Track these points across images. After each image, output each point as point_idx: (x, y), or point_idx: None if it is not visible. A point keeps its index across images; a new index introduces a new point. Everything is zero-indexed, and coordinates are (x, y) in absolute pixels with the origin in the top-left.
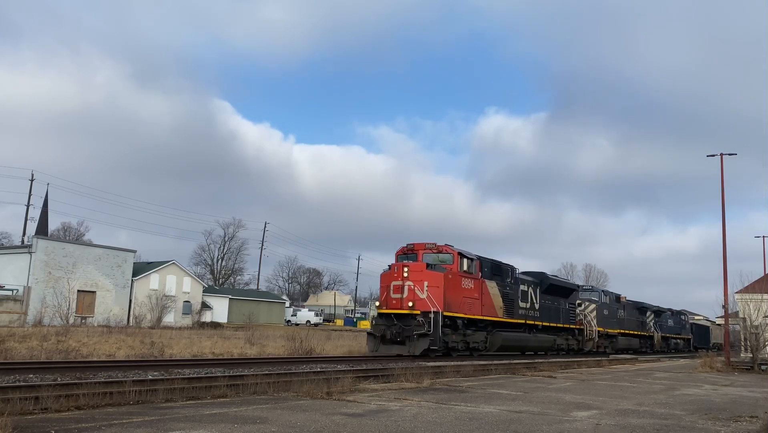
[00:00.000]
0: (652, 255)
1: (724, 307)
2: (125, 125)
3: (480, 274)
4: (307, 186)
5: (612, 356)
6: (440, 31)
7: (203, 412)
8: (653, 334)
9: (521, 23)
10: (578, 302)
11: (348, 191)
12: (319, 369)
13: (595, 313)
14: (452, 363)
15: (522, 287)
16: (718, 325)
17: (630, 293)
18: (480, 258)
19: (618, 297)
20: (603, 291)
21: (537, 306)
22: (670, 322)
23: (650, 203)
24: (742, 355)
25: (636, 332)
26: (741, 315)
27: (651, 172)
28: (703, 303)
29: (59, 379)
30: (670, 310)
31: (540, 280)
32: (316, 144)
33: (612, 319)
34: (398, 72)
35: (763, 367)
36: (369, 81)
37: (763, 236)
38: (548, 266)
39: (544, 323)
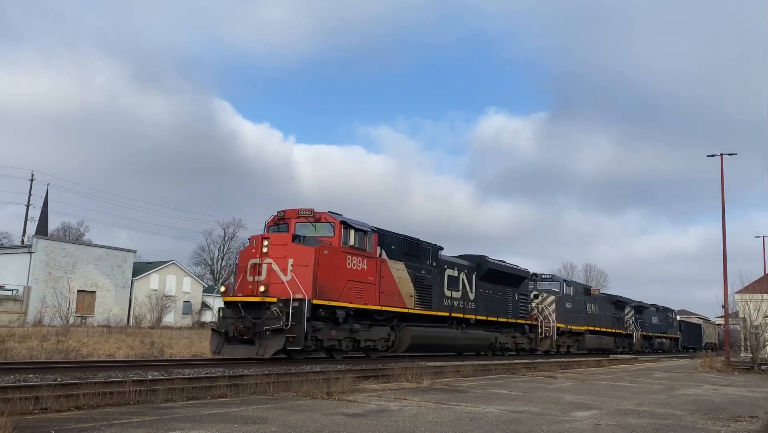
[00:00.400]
0: (652, 255)
1: (724, 307)
2: (125, 125)
3: (379, 252)
4: (307, 186)
5: (612, 356)
6: (440, 31)
7: (203, 412)
8: (633, 332)
9: (521, 23)
10: (535, 293)
11: (348, 191)
12: (318, 369)
13: (554, 306)
14: (452, 363)
15: (449, 272)
16: (712, 323)
17: (630, 293)
18: (379, 231)
19: (588, 289)
20: (566, 281)
21: (472, 296)
22: (655, 319)
23: (650, 203)
24: (742, 355)
25: (610, 330)
26: (741, 315)
27: (651, 172)
28: (703, 303)
29: (59, 379)
30: (654, 306)
31: (477, 264)
32: (316, 144)
33: (578, 314)
34: (398, 72)
35: (763, 367)
36: (369, 81)
37: (763, 236)
38: (548, 266)
39: (481, 317)
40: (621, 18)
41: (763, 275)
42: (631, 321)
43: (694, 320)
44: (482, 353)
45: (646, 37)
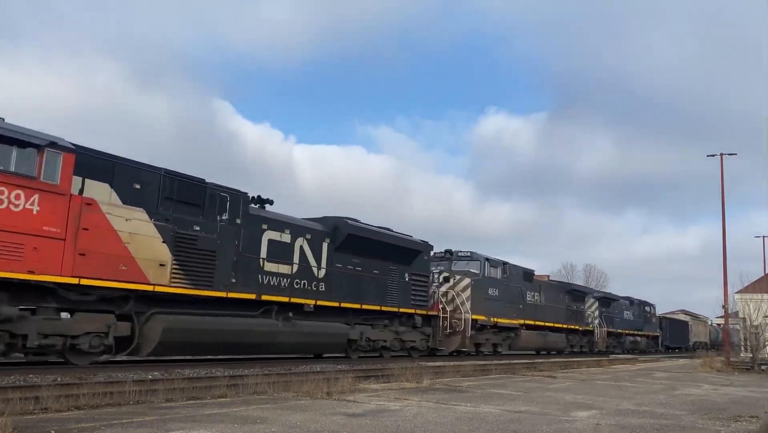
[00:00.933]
0: (652, 255)
1: (724, 307)
2: (126, 125)
3: (81, 186)
4: (308, 186)
5: (612, 357)
6: (440, 31)
7: (203, 412)
8: (595, 328)
9: (521, 23)
10: (445, 275)
11: (349, 191)
12: (319, 369)
13: (469, 292)
14: (452, 363)
15: (272, 235)
16: (703, 321)
17: (630, 293)
18: (85, 152)
19: (529, 273)
20: (490, 259)
21: (320, 272)
22: (627, 314)
23: (650, 203)
24: (741, 355)
25: (561, 325)
26: (741, 315)
27: (652, 172)
28: (703, 303)
29: (59, 379)
30: (628, 298)
31: (332, 228)
32: (316, 144)
33: (511, 304)
34: (398, 72)
35: (763, 367)
36: (369, 81)
37: (763, 236)
38: (548, 267)
39: (333, 303)
40: (621, 18)
41: (763, 275)
42: (594, 315)
43: (681, 317)
44: (344, 355)
45: (647, 36)
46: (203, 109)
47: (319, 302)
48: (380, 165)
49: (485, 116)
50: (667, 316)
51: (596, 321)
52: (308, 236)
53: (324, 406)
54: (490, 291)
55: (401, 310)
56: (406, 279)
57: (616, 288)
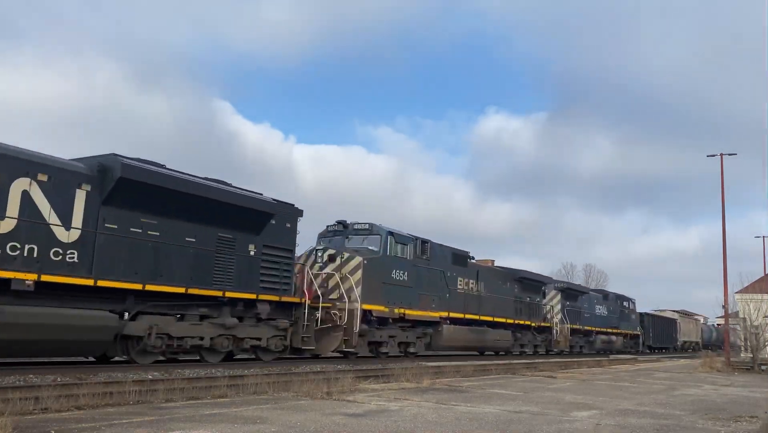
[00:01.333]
0: (652, 255)
1: (724, 307)
2: (126, 125)
3: None
4: (308, 186)
5: (612, 357)
6: (440, 31)
7: (203, 412)
8: (555, 325)
9: (521, 23)
10: (330, 252)
11: (349, 191)
12: (319, 369)
13: (360, 275)
14: (452, 363)
15: None
16: (693, 319)
17: (630, 293)
18: None
19: (461, 256)
20: (394, 234)
21: (70, 235)
22: (600, 309)
23: (650, 203)
24: (741, 355)
25: (506, 319)
26: (741, 315)
27: (652, 172)
28: (703, 303)
29: (59, 379)
30: (601, 291)
31: (97, 170)
32: (316, 144)
33: (427, 292)
34: (398, 72)
35: (763, 367)
36: (369, 81)
37: (763, 236)
38: (549, 267)
39: (83, 280)
40: (621, 18)
41: (763, 275)
42: (555, 309)
43: (668, 314)
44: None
45: (647, 36)
46: (203, 109)
47: (61, 278)
48: (380, 165)
49: (485, 116)
50: (651, 313)
51: (558, 316)
52: (41, 178)
53: (324, 406)
54: (396, 274)
55: (229, 295)
56: (251, 253)
57: (617, 288)
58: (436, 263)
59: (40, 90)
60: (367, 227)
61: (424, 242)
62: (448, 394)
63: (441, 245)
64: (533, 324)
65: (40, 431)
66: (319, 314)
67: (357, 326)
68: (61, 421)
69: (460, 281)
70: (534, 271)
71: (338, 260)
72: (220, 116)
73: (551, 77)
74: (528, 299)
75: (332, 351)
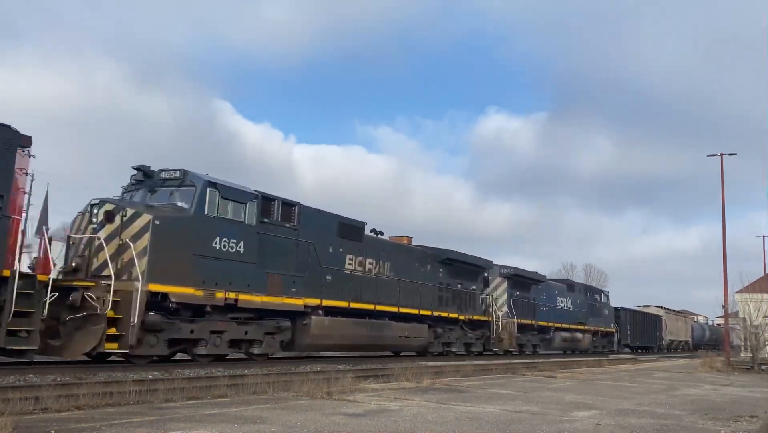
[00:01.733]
0: (652, 255)
1: (724, 307)
2: (126, 125)
3: None
4: (308, 186)
5: (612, 356)
6: (440, 31)
7: (203, 412)
8: (497, 319)
9: (521, 23)
10: (106, 208)
11: (349, 191)
12: (319, 369)
13: (147, 241)
14: (452, 363)
15: None
16: (683, 316)
17: (630, 293)
18: None
19: (353, 227)
20: (217, 186)
21: None
22: (562, 302)
23: (650, 203)
24: (741, 355)
25: (423, 311)
26: (741, 315)
27: (651, 172)
28: (703, 303)
29: (59, 379)
30: (564, 281)
31: None
32: (316, 144)
33: (282, 270)
34: (398, 72)
35: (763, 367)
36: (369, 81)
37: (763, 236)
38: (548, 267)
39: None
40: (621, 18)
41: (763, 275)
42: (498, 301)
43: (652, 310)
44: None
45: (647, 36)
46: (203, 109)
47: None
48: (380, 165)
49: (485, 116)
50: (629, 308)
51: (503, 309)
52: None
53: (324, 406)
54: (221, 244)
55: None
56: None
57: (617, 288)
58: (307, 234)
59: (40, 90)
60: (178, 174)
61: (284, 202)
62: (448, 394)
63: (319, 211)
64: (463, 317)
65: (40, 431)
66: (72, 300)
67: (135, 315)
68: (61, 421)
69: (350, 259)
70: (525, 268)
71: (118, 220)
72: (220, 116)
73: (551, 77)
74: (459, 286)
75: (84, 353)
